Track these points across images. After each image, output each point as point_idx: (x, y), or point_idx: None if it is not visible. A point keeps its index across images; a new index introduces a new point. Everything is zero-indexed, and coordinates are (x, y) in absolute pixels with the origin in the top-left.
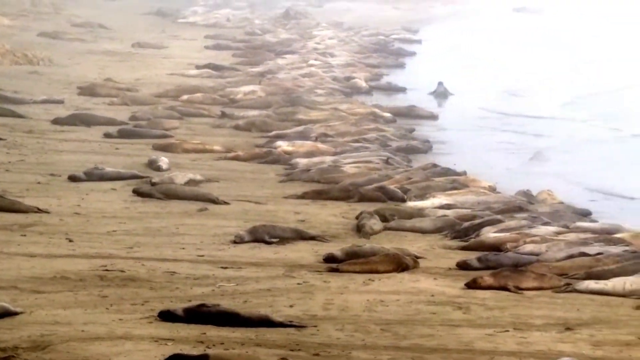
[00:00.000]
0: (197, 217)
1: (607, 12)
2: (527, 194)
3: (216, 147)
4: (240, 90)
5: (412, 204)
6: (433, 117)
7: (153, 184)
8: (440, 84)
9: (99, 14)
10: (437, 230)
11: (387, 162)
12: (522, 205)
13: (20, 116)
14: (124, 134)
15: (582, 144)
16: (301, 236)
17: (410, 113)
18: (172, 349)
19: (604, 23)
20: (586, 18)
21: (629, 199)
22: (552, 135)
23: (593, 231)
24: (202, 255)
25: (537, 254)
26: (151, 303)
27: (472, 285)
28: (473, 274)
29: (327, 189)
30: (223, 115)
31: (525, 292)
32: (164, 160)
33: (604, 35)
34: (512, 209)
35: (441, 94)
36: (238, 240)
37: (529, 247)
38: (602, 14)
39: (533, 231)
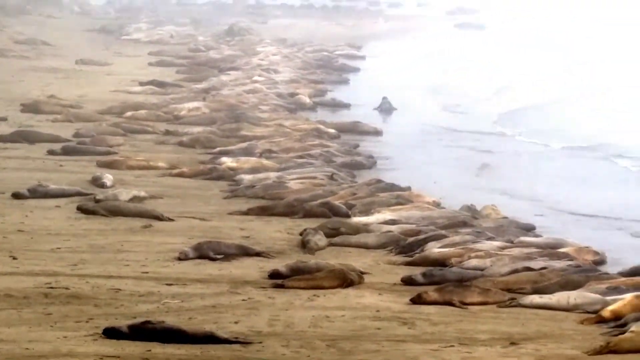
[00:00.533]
0: (141, 234)
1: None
2: (471, 209)
3: (160, 164)
4: (184, 106)
5: (356, 219)
6: (377, 132)
7: (97, 201)
8: (384, 98)
9: (42, 31)
10: (381, 246)
11: (331, 177)
12: (467, 220)
13: None
14: (67, 151)
15: (523, 159)
16: (246, 252)
17: (355, 129)
18: None
19: (553, 34)
20: (529, 30)
21: (572, 214)
22: (494, 149)
23: (537, 246)
24: (147, 272)
25: (481, 269)
26: (96, 320)
27: (417, 300)
28: (418, 289)
29: (272, 205)
30: (167, 132)
31: (470, 307)
32: (108, 177)
33: (542, 49)
34: (456, 224)
35: (386, 109)
36: (183, 257)
37: (473, 262)
38: (552, 23)
39: (477, 246)
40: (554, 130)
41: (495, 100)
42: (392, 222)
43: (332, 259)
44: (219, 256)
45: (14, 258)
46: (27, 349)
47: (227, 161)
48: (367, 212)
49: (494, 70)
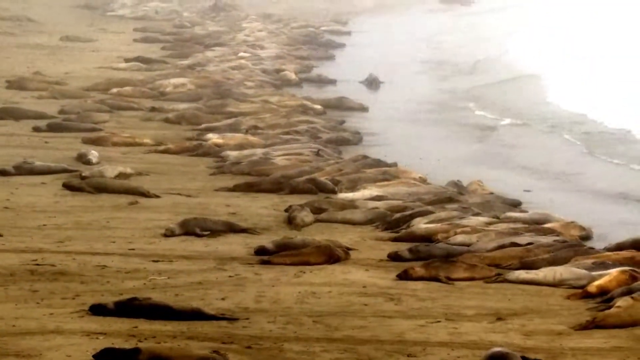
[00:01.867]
0: (127, 211)
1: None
2: (457, 184)
3: (146, 140)
4: (170, 82)
5: (343, 195)
6: (363, 108)
7: (83, 178)
8: (370, 74)
9: (27, 7)
10: (368, 222)
11: (317, 154)
12: (453, 196)
13: None
14: (53, 128)
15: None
16: (232, 229)
17: (341, 105)
18: (103, 343)
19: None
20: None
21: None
22: (481, 124)
23: (523, 221)
24: (133, 249)
25: (468, 245)
26: (82, 297)
27: (404, 276)
28: (404, 265)
29: (258, 181)
30: (153, 109)
31: (456, 282)
32: (93, 154)
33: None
34: (442, 199)
35: (372, 82)
36: (169, 234)
37: (459, 238)
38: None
39: (464, 222)
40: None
41: (472, 75)
42: (379, 198)
43: (319, 235)
44: (205, 233)
45: (0, 235)
46: (14, 325)
47: (213, 137)
48: (353, 188)
49: (475, 45)
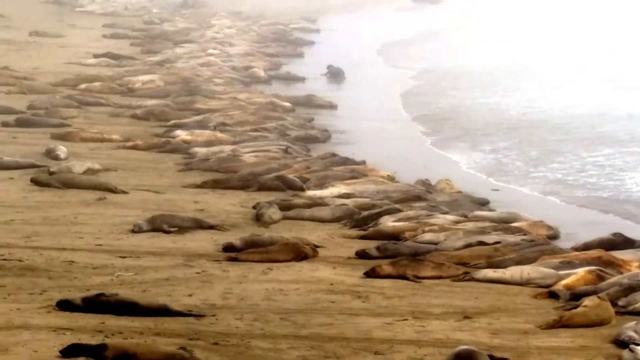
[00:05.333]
0: (95, 207)
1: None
2: (425, 183)
3: (114, 136)
4: (139, 79)
5: (311, 193)
6: (332, 106)
7: (51, 173)
8: (329, 66)
9: None
10: (336, 220)
11: (286, 151)
12: (421, 194)
13: None
14: (21, 123)
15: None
16: (200, 225)
17: (309, 102)
18: (70, 339)
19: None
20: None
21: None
22: (453, 120)
23: (491, 220)
24: (101, 245)
25: (435, 243)
26: (49, 292)
27: (371, 274)
28: (372, 263)
29: (226, 178)
30: (119, 106)
31: (423, 281)
32: (62, 149)
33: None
34: (410, 198)
35: (337, 74)
36: (137, 230)
37: (427, 236)
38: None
39: (432, 220)
40: None
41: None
42: (347, 195)
43: (286, 232)
44: (173, 229)
45: None
46: None
47: (182, 134)
48: (321, 185)
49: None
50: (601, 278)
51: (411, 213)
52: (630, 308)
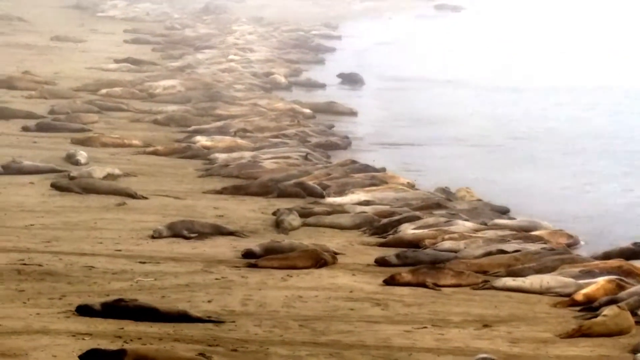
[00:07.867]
0: (115, 212)
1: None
2: (445, 190)
3: (135, 142)
4: (160, 84)
5: (331, 200)
6: (352, 113)
7: (71, 178)
8: (341, 73)
9: (17, 6)
10: (355, 227)
11: (306, 158)
12: (441, 202)
13: None
14: (42, 128)
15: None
16: (220, 231)
17: (330, 109)
18: (89, 344)
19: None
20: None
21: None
22: (468, 130)
23: (511, 228)
24: (120, 250)
25: (455, 251)
26: (69, 297)
27: (391, 281)
28: (391, 271)
29: (246, 184)
30: (140, 111)
31: (443, 288)
32: (82, 154)
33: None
34: (430, 205)
35: (350, 79)
36: (156, 235)
37: (447, 244)
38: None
39: (451, 228)
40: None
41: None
42: (366, 203)
43: (306, 239)
44: (192, 235)
45: None
46: (0, 325)
47: (202, 140)
48: (341, 192)
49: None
50: (621, 287)
51: (431, 221)
52: None
